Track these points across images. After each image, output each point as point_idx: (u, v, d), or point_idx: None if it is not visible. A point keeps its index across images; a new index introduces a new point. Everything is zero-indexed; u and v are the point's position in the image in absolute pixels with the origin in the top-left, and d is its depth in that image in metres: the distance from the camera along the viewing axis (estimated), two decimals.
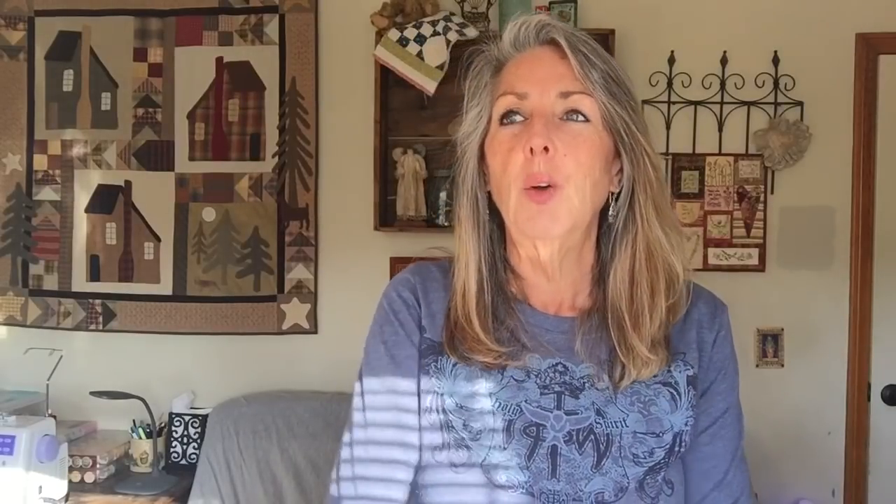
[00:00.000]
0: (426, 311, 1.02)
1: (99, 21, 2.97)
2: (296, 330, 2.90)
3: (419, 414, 0.99)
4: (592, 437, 0.94)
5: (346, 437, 1.01)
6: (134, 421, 2.77)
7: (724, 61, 2.79)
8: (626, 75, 0.98)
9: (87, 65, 2.97)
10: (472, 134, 1.01)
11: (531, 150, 0.92)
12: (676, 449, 0.96)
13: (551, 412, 0.95)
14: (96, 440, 2.83)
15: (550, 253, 0.99)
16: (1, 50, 3.01)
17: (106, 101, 2.97)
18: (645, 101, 2.79)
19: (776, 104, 2.77)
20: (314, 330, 2.90)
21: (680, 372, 0.99)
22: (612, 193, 1.00)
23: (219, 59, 2.92)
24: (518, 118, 0.96)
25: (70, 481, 2.38)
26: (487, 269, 1.00)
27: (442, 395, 0.97)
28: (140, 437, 2.74)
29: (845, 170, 2.77)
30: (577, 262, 1.02)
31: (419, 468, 0.99)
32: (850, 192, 2.77)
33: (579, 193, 0.94)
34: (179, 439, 2.83)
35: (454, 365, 0.98)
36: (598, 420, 0.95)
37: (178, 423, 2.84)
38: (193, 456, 2.79)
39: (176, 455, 2.83)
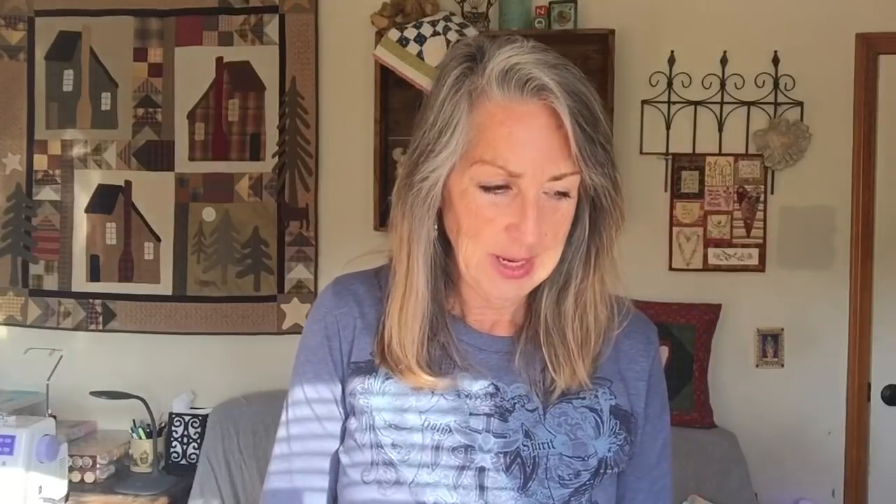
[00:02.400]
0: (353, 334, 1.00)
1: (99, 21, 2.97)
2: (296, 330, 2.90)
3: (349, 437, 0.98)
4: (519, 459, 0.94)
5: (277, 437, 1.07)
6: (134, 421, 2.77)
7: (724, 61, 2.79)
8: (606, 117, 0.91)
9: (87, 65, 2.98)
10: (435, 172, 0.91)
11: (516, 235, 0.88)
12: (602, 471, 0.96)
13: (480, 434, 0.94)
14: (96, 440, 2.83)
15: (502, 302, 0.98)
16: (1, 50, 3.01)
17: (106, 101, 2.97)
18: (645, 102, 2.79)
19: (776, 104, 2.77)
20: None
21: (605, 400, 0.99)
22: None
23: (219, 59, 2.92)
24: (503, 189, 0.89)
25: (70, 481, 2.38)
26: (430, 291, 0.95)
27: (371, 413, 0.96)
28: (140, 437, 2.74)
29: (845, 170, 2.77)
30: None
31: (346, 487, 0.98)
32: (850, 192, 2.77)
33: (552, 260, 0.93)
34: (179, 439, 2.83)
35: (384, 381, 0.97)
36: (525, 442, 0.95)
37: (178, 423, 2.84)
38: (193, 456, 2.79)
39: (176, 455, 2.83)
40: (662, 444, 1.06)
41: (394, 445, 0.94)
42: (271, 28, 2.91)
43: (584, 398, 0.98)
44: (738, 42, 2.78)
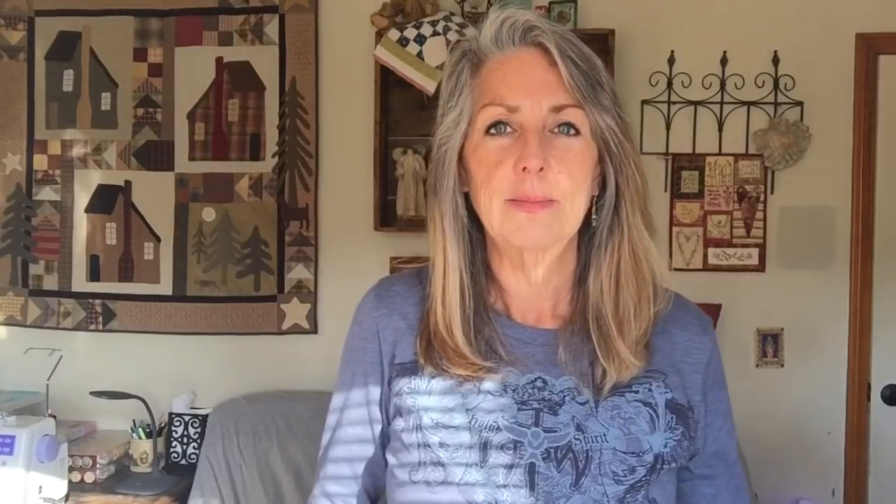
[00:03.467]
0: (395, 336, 1.01)
1: (99, 21, 2.97)
2: (296, 330, 2.90)
3: (395, 438, 0.99)
4: (571, 454, 0.92)
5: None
6: (134, 421, 2.77)
7: (724, 61, 2.79)
8: (610, 78, 0.95)
9: (87, 65, 2.97)
10: (451, 138, 0.96)
11: (524, 168, 0.89)
12: (658, 467, 0.94)
13: (529, 429, 0.93)
14: (96, 440, 2.83)
15: (535, 259, 0.96)
16: (1, 50, 3.01)
17: (106, 101, 2.97)
18: (645, 101, 2.79)
19: (776, 104, 2.77)
20: (314, 330, 2.90)
21: (660, 394, 0.96)
22: (593, 197, 0.97)
23: (219, 59, 2.92)
24: (506, 129, 0.92)
25: (70, 481, 2.38)
26: (469, 275, 0.97)
27: (419, 413, 0.95)
28: (140, 437, 2.74)
29: (845, 170, 2.77)
30: (559, 268, 0.99)
31: (394, 487, 0.98)
32: (850, 192, 2.77)
33: (573, 208, 0.92)
34: (179, 439, 2.83)
35: (430, 381, 0.97)
36: (577, 436, 0.93)
37: (178, 423, 2.84)
38: (193, 456, 2.79)
39: (176, 455, 2.83)
40: (733, 440, 1.07)
41: (441, 444, 0.94)
42: (271, 28, 2.90)
43: (637, 392, 0.95)
44: (738, 42, 2.78)
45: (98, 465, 2.65)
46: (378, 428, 1.03)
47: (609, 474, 0.92)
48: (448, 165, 0.96)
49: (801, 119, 2.77)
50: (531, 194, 0.89)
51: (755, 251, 2.79)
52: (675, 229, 2.80)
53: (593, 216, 0.97)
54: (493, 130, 0.93)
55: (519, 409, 0.94)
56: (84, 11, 2.96)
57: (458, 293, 0.96)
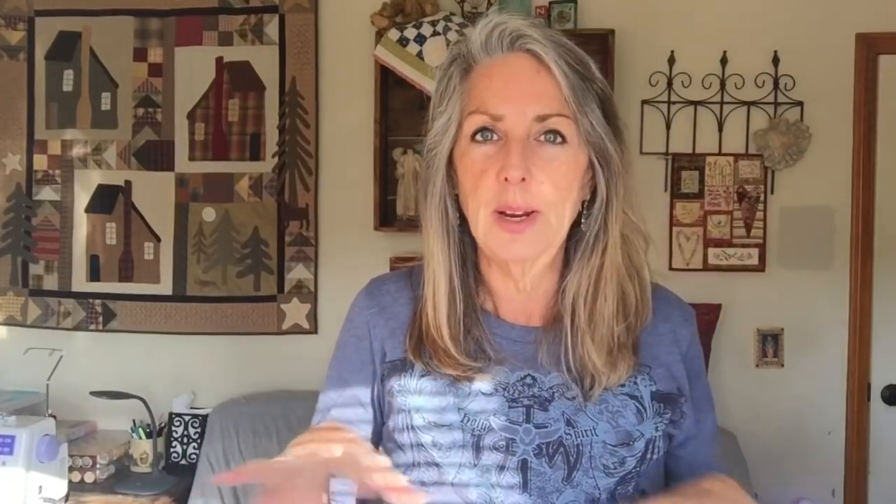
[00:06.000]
0: (385, 334, 1.01)
1: (99, 21, 2.97)
2: (296, 330, 2.90)
3: (388, 439, 0.99)
4: (563, 449, 0.93)
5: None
6: (134, 421, 2.77)
7: (724, 61, 2.79)
8: (606, 85, 0.95)
9: (87, 65, 2.97)
10: (440, 143, 0.96)
11: (506, 178, 0.89)
12: (649, 456, 0.95)
13: (520, 426, 0.94)
14: (96, 440, 2.83)
15: (523, 269, 0.97)
16: (1, 50, 3.01)
17: (106, 101, 2.97)
18: (645, 101, 2.79)
19: (776, 104, 2.77)
20: (314, 330, 2.90)
21: (645, 386, 0.97)
22: (584, 202, 0.97)
23: (219, 59, 2.92)
24: (492, 136, 0.92)
25: (70, 481, 2.38)
26: (458, 278, 0.97)
27: (409, 412, 0.96)
28: (140, 437, 2.74)
29: (845, 170, 2.77)
30: (548, 273, 0.99)
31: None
32: (850, 192, 2.77)
33: (558, 217, 0.92)
34: (179, 439, 2.83)
35: (419, 379, 0.97)
36: (567, 431, 0.93)
37: (178, 423, 2.84)
38: (193, 456, 2.79)
39: (176, 455, 2.83)
40: (711, 423, 1.06)
41: (434, 444, 0.94)
42: (271, 28, 2.90)
43: (623, 385, 0.96)
44: (738, 42, 2.78)
45: (98, 465, 2.65)
46: (370, 429, 1.02)
47: (600, 467, 0.93)
48: (437, 169, 0.97)
49: (801, 119, 2.76)
50: (513, 204, 0.89)
51: (755, 251, 2.79)
52: (675, 229, 2.80)
53: (583, 221, 0.96)
54: (478, 137, 0.93)
55: (510, 407, 0.94)
56: (84, 11, 2.96)
57: (446, 297, 0.96)
